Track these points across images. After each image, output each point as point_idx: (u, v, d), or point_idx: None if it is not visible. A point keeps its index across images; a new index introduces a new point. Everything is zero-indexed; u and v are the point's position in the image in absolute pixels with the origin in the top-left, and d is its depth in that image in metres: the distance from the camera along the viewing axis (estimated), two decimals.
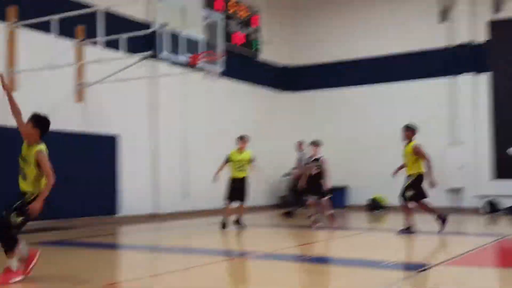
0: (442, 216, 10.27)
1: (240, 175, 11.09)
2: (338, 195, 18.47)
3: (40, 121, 5.78)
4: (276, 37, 19.51)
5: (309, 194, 11.62)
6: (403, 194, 10.39)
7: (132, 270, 7.04)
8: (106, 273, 6.64)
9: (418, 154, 10.22)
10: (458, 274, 6.49)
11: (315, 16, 19.84)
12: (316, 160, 11.56)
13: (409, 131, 10.56)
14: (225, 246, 9.32)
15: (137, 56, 11.90)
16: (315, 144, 11.79)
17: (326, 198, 11.42)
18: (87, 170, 12.57)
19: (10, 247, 5.53)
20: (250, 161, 11.19)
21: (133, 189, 13.79)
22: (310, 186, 11.53)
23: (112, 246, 9.63)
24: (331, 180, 12.01)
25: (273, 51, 19.39)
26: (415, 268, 6.53)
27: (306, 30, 20.00)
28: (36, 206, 5.56)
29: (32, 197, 5.65)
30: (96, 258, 7.84)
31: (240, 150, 11.16)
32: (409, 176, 10.38)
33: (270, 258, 7.80)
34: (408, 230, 10.16)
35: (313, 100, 19.73)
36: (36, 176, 5.69)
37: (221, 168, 11.28)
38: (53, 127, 12.22)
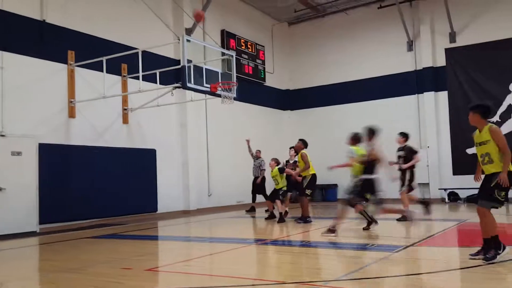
0: (306, 218, 10.11)
1: (276, 187, 11.23)
2: (331, 191, 18.46)
3: None
4: (278, 67, 19.59)
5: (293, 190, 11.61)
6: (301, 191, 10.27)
7: (169, 256, 7.06)
8: (149, 260, 6.66)
9: (303, 160, 10.02)
10: (427, 252, 6.46)
11: (308, 49, 19.92)
12: (294, 163, 11.39)
13: (299, 143, 10.46)
14: (241, 235, 9.30)
15: (169, 87, 12.01)
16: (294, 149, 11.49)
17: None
18: (133, 177, 12.66)
19: None
20: (280, 173, 11.18)
21: (169, 191, 13.86)
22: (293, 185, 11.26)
23: (154, 238, 9.66)
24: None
25: (276, 78, 19.46)
26: (392, 248, 6.49)
27: (301, 60, 20.07)
28: None
29: None
30: (140, 247, 7.85)
31: (271, 169, 11.30)
32: (305, 177, 10.19)
33: (277, 244, 7.79)
34: (305, 219, 10.05)
35: (309, 116, 19.76)
36: None
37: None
38: (106, 143, 12.48)
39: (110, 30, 12.59)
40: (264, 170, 13.08)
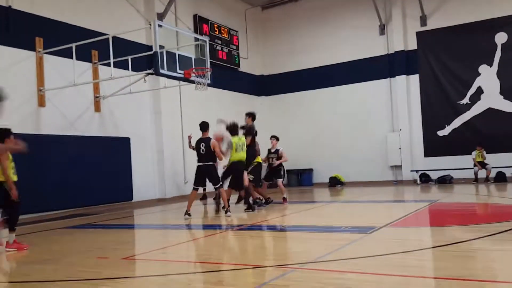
0: (269, 200, 10.46)
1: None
2: (307, 176, 18.64)
3: None
4: (252, 53, 19.48)
5: (273, 179, 11.21)
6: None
7: (145, 245, 6.99)
8: (125, 248, 6.60)
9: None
10: (401, 233, 6.60)
11: (281, 34, 19.86)
12: (276, 151, 11.08)
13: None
14: (217, 222, 9.31)
15: (141, 73, 11.80)
16: (275, 138, 11.38)
17: (280, 181, 11.02)
18: (106, 166, 12.46)
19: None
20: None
21: (144, 179, 13.72)
22: (272, 172, 11.12)
23: (129, 226, 9.57)
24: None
25: (250, 64, 19.35)
26: (367, 230, 6.61)
27: (275, 46, 20.01)
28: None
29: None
30: (116, 236, 7.76)
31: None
32: (251, 164, 10.15)
33: (253, 229, 7.84)
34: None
35: (284, 101, 19.78)
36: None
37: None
38: (78, 132, 12.20)
39: (79, 16, 12.25)
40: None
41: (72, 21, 12.05)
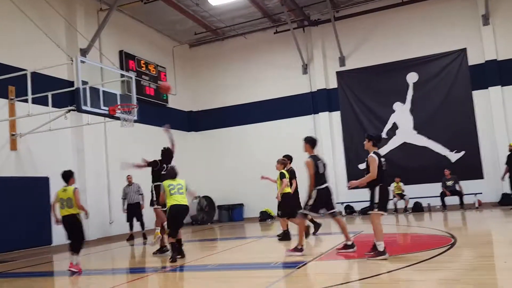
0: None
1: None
2: (237, 211, 18.52)
3: None
4: (181, 89, 19.37)
5: None
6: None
7: None
8: None
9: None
10: (327, 266, 6.65)
11: (209, 71, 20.02)
12: None
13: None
14: (144, 264, 8.85)
15: (62, 110, 11.25)
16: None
17: None
18: (22, 208, 11.53)
19: None
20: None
21: None
22: None
23: (47, 274, 8.80)
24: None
25: (179, 100, 19.20)
26: (295, 265, 6.59)
27: (203, 82, 20.09)
28: None
29: None
30: (30, 285, 7.10)
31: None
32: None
33: (183, 270, 7.53)
34: None
35: (214, 137, 19.74)
36: None
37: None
38: None
39: None
40: (143, 194, 12.95)
41: None
